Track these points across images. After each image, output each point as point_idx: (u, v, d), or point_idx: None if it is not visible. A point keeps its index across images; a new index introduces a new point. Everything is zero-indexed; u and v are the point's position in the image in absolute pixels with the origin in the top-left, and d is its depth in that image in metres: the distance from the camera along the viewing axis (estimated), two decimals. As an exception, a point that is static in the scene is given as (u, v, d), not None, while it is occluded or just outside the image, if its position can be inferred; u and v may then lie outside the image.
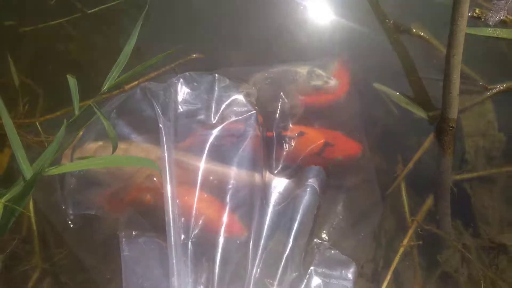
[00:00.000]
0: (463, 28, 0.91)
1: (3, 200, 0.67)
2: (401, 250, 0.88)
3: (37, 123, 0.99)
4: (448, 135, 0.98)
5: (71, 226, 0.86)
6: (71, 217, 0.86)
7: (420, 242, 0.89)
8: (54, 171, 0.70)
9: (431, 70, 1.07)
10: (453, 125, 0.98)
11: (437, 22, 1.11)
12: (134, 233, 0.82)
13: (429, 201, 0.93)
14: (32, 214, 0.90)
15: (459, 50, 0.93)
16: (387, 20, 1.15)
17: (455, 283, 0.86)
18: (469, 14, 1.11)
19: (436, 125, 1.00)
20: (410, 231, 0.89)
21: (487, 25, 1.13)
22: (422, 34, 1.12)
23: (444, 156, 0.98)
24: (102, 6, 1.17)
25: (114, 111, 0.90)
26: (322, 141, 0.92)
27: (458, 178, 0.95)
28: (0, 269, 0.87)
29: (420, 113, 1.02)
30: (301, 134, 0.91)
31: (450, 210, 0.93)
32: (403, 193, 0.94)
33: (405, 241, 0.88)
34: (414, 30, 1.13)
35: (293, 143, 0.92)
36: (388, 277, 0.85)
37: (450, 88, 0.95)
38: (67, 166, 0.72)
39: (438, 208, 0.93)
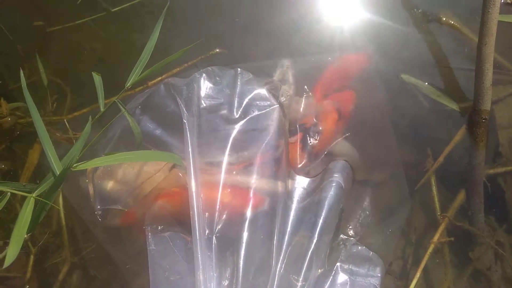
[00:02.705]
0: (495, 16, 0.88)
1: (34, 194, 0.68)
2: (431, 247, 0.85)
3: (65, 120, 1.02)
4: (480, 127, 0.95)
5: (99, 220, 0.88)
6: (99, 211, 0.88)
7: (452, 239, 0.86)
8: (83, 166, 0.72)
9: (462, 60, 1.04)
10: (486, 117, 0.95)
11: (468, 9, 1.08)
12: (159, 228, 0.83)
13: (460, 197, 0.90)
14: (61, 209, 0.93)
15: (491, 38, 0.89)
16: (415, 9, 1.12)
17: (488, 281, 0.84)
18: (502, 0, 1.07)
19: (468, 117, 0.98)
20: (441, 228, 0.87)
21: (522, 12, 1.08)
22: (452, 22, 1.09)
23: (477, 149, 0.95)
24: (126, 4, 1.19)
25: (139, 107, 0.91)
26: (336, 116, 0.93)
27: (491, 172, 0.92)
28: (32, 261, 0.89)
29: (451, 105, 0.99)
30: (316, 126, 0.91)
31: (483, 206, 0.90)
32: (434, 188, 0.91)
33: (436, 238, 0.86)
34: (444, 19, 1.09)
35: (317, 137, 0.91)
36: (418, 275, 0.83)
37: (482, 78, 0.92)
38: (94, 162, 0.74)
39: (470, 203, 0.90)
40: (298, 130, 0.92)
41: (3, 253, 0.71)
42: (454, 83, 1.02)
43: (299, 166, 0.90)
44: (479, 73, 0.92)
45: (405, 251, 0.87)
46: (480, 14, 0.89)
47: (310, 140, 0.91)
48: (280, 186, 0.85)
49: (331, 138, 0.92)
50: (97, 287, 0.88)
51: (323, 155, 0.90)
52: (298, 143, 0.91)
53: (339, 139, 0.93)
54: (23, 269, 0.89)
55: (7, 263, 0.62)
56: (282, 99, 0.94)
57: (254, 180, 0.83)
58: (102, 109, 0.81)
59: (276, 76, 0.98)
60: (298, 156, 0.90)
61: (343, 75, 1.01)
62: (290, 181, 0.88)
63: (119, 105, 0.79)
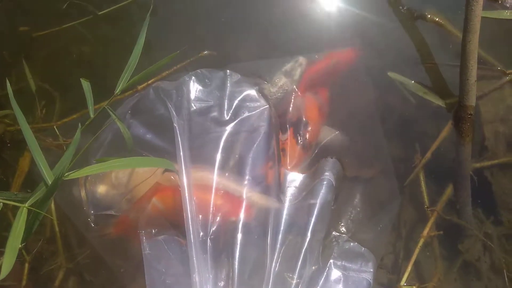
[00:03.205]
0: (478, 13, 0.89)
1: (27, 204, 0.68)
2: (422, 241, 0.87)
3: (54, 127, 1.01)
4: (466, 122, 0.96)
5: (93, 226, 0.88)
6: (92, 217, 0.88)
7: (441, 232, 0.88)
8: (74, 175, 0.71)
9: (447, 56, 1.05)
10: (472, 112, 0.96)
11: (452, 6, 1.09)
12: (154, 232, 0.83)
13: (448, 191, 0.92)
14: (54, 217, 0.92)
15: (475, 35, 0.90)
16: (401, 7, 1.12)
17: (477, 272, 0.85)
18: (485, -4, 1.08)
19: (454, 112, 0.98)
20: (430, 222, 0.88)
21: (505, 8, 1.09)
22: (437, 19, 1.10)
23: (463, 144, 0.97)
24: (113, 7, 1.18)
25: (129, 112, 0.91)
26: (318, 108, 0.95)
27: (478, 165, 0.94)
28: (27, 269, 0.89)
29: (437, 101, 1.01)
30: (305, 123, 0.92)
31: (471, 199, 0.91)
32: (422, 183, 0.92)
33: (425, 232, 0.87)
34: (429, 16, 1.10)
35: (307, 136, 0.92)
36: (409, 268, 0.85)
37: (467, 74, 0.93)
38: (86, 170, 0.73)
39: (458, 197, 0.91)
40: (288, 126, 0.93)
41: (-2, 263, 0.71)
42: (440, 79, 1.03)
43: (293, 164, 0.91)
44: (464, 70, 0.93)
45: (396, 246, 0.88)
46: (464, 11, 0.90)
47: (300, 137, 0.92)
48: (272, 185, 0.86)
49: (318, 129, 0.93)
50: (93, 292, 0.89)
51: (316, 150, 0.91)
52: (290, 139, 0.92)
53: (328, 136, 0.94)
54: (18, 277, 0.88)
55: (2, 275, 0.61)
56: (280, 90, 0.94)
57: (247, 182, 0.84)
58: (91, 116, 0.81)
59: (286, 67, 0.97)
60: (290, 153, 0.91)
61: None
62: (282, 180, 0.89)
63: (109, 111, 0.79)
